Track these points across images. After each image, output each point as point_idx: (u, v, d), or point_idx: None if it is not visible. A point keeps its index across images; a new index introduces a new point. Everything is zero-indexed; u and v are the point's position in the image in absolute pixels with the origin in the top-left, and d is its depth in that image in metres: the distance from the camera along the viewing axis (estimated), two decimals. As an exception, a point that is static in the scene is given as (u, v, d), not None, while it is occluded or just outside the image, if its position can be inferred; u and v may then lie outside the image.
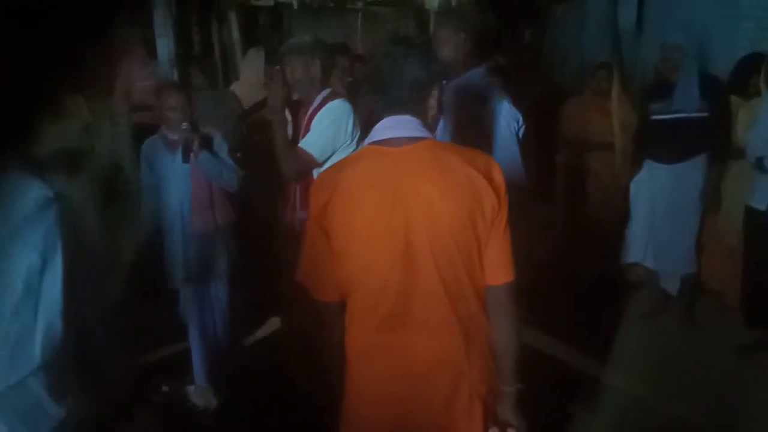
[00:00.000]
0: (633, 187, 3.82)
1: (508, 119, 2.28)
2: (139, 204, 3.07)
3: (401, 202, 1.31)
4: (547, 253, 4.29)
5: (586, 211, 4.45)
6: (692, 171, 3.52)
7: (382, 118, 1.38)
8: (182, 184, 2.90)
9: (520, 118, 2.33)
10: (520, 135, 2.33)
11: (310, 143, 2.50)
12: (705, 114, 3.41)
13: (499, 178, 1.37)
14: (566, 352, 3.44)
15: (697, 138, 3.45)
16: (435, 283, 1.34)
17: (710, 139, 3.46)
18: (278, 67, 2.65)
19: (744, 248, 3.49)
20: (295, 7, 5.43)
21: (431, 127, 1.44)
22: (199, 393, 2.89)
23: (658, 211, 3.67)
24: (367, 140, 1.41)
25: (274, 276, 3.12)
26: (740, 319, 3.55)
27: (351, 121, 2.58)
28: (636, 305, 3.99)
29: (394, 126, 1.36)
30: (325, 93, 2.65)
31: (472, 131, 2.19)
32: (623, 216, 4.05)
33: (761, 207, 3.23)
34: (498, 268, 1.40)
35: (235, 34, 5.38)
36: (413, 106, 1.37)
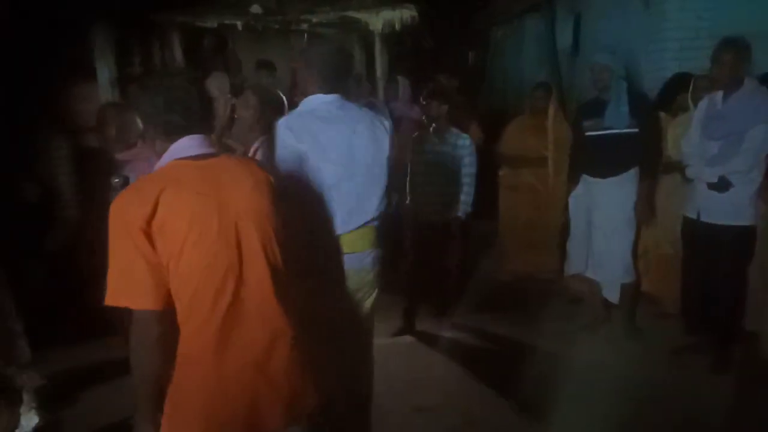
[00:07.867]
0: (571, 201, 3.95)
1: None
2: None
3: (226, 203, 1.53)
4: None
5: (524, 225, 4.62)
6: (625, 184, 3.67)
7: (178, 138, 1.57)
8: None
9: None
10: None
11: None
12: (635, 130, 3.58)
13: (272, 178, 1.71)
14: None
15: (628, 153, 3.61)
16: (264, 268, 1.56)
17: (640, 154, 3.63)
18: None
19: (683, 257, 3.62)
20: (240, 28, 5.41)
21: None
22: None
23: (595, 223, 3.80)
24: (169, 157, 1.56)
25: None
26: (678, 325, 3.72)
27: None
28: (578, 316, 4.10)
29: (194, 145, 1.57)
30: (262, 139, 2.60)
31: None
32: (562, 228, 4.19)
33: (693, 215, 3.40)
34: None
35: (178, 55, 5.33)
36: (204, 126, 1.63)
